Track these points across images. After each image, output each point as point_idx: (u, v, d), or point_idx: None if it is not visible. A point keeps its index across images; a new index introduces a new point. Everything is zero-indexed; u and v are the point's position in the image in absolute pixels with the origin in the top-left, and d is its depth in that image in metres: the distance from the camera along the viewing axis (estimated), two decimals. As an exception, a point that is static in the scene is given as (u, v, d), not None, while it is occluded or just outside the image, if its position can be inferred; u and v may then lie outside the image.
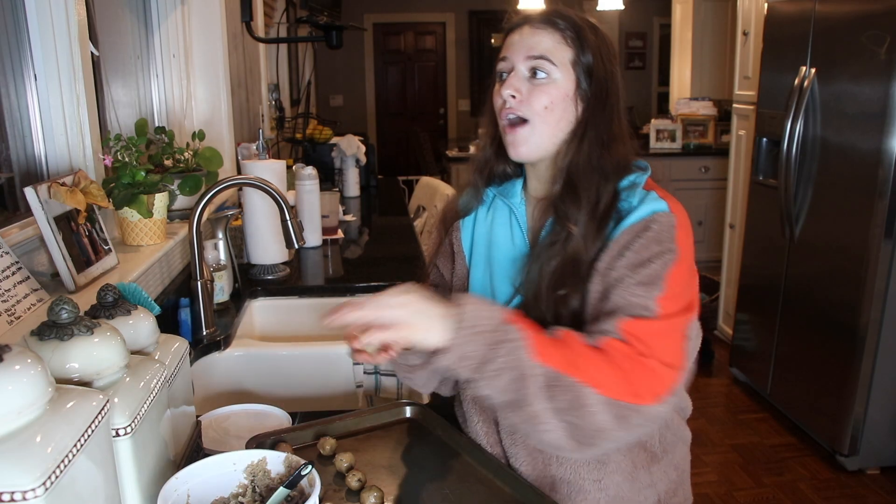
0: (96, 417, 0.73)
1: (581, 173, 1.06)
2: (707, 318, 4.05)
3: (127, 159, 1.61)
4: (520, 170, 1.19)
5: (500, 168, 1.18)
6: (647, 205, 1.04)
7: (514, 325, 0.91)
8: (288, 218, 1.57)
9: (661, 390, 0.94)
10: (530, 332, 0.91)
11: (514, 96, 1.06)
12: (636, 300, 0.97)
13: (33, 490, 0.62)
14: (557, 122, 1.07)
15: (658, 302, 0.97)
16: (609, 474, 1.09)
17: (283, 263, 2.15)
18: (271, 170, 2.04)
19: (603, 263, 1.02)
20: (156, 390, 0.89)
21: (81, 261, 1.36)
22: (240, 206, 2.17)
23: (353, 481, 1.01)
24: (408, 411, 1.23)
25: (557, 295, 1.02)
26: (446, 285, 1.23)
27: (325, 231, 2.56)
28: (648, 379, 0.93)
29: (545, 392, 0.89)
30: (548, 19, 1.07)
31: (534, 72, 1.06)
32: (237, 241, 2.15)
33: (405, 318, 0.89)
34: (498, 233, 1.17)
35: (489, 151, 1.18)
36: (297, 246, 1.61)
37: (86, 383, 0.82)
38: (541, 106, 1.05)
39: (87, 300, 1.12)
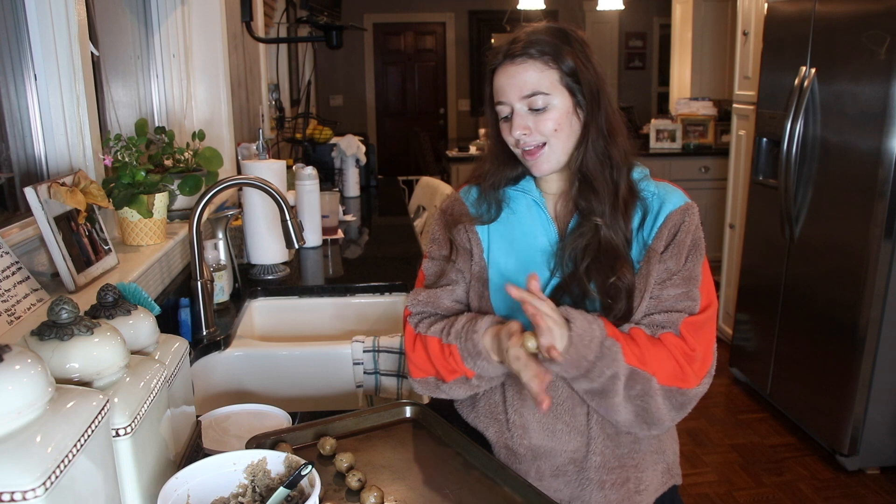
0: (96, 417, 0.73)
1: (593, 169, 1.16)
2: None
3: (127, 159, 1.61)
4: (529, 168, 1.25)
5: (515, 173, 1.25)
6: (673, 193, 1.19)
7: (612, 338, 1.08)
8: (288, 218, 1.57)
9: (703, 373, 1.15)
10: (620, 340, 1.09)
11: (525, 134, 1.15)
12: (686, 298, 1.15)
13: (33, 490, 0.62)
14: (568, 137, 1.17)
15: (699, 292, 1.15)
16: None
17: (283, 263, 2.15)
18: (271, 170, 2.04)
19: (660, 247, 1.15)
20: (156, 390, 0.89)
21: (81, 261, 1.36)
22: (240, 206, 2.17)
23: (353, 481, 1.01)
24: (408, 411, 1.23)
25: (609, 283, 1.13)
26: (464, 280, 1.26)
27: (325, 231, 2.56)
28: (694, 366, 1.13)
29: (625, 384, 1.09)
30: (522, 51, 1.13)
31: (532, 105, 1.14)
32: (237, 241, 2.15)
33: (556, 328, 1.04)
34: (521, 224, 1.23)
35: (500, 167, 1.24)
36: (297, 246, 1.61)
37: (86, 383, 0.82)
38: (550, 130, 1.15)
39: (87, 300, 1.12)
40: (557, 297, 1.17)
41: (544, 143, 1.15)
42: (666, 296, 1.15)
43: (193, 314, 1.63)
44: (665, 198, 1.19)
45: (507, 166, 1.23)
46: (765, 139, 3.34)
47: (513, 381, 1.20)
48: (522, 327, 1.08)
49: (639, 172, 1.20)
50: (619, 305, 1.13)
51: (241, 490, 0.86)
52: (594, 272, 1.14)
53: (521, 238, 1.22)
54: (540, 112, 1.14)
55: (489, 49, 1.21)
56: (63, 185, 1.35)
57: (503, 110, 1.17)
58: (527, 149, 1.16)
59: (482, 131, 6.15)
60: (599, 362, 1.07)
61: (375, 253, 2.56)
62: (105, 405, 0.75)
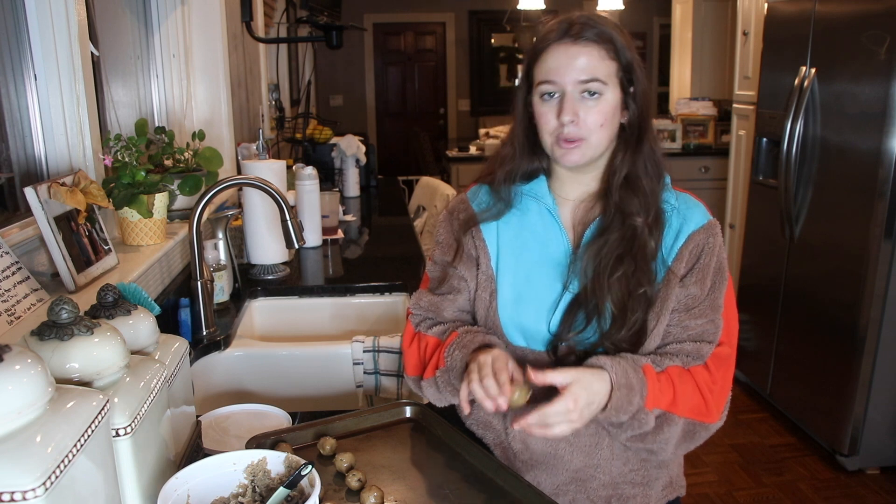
0: (96, 417, 0.73)
1: (642, 171, 1.12)
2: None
3: (127, 159, 1.61)
4: (546, 166, 1.20)
5: (532, 167, 1.19)
6: (695, 209, 1.14)
7: (646, 410, 1.05)
8: (288, 218, 1.57)
9: (721, 405, 1.13)
10: (657, 388, 1.05)
11: (573, 121, 1.08)
12: (711, 325, 1.12)
13: (33, 490, 0.62)
14: (609, 134, 1.12)
15: (722, 319, 1.13)
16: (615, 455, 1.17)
17: (283, 263, 2.15)
18: (271, 170, 2.04)
19: (681, 270, 1.11)
20: (156, 390, 0.89)
21: (81, 261, 1.36)
22: (240, 206, 2.16)
23: (353, 481, 1.01)
24: (408, 411, 1.23)
25: (636, 295, 1.08)
26: (467, 289, 1.22)
27: (325, 231, 2.56)
28: (717, 400, 1.11)
29: (654, 424, 1.07)
30: (583, 35, 1.07)
31: (584, 93, 1.08)
32: (237, 241, 2.15)
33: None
34: (531, 233, 1.18)
35: (521, 154, 1.18)
36: (297, 246, 1.61)
37: (86, 383, 0.82)
38: (597, 125, 1.09)
39: (87, 300, 1.12)
40: (572, 313, 1.12)
41: (583, 139, 1.09)
42: (693, 325, 1.11)
43: (193, 314, 1.63)
44: (686, 215, 1.13)
45: (526, 156, 1.18)
46: (765, 139, 3.34)
47: None
48: (510, 375, 1.03)
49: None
50: (634, 318, 1.08)
51: (241, 490, 0.86)
52: (621, 281, 1.08)
53: (532, 248, 1.17)
54: (592, 102, 1.08)
55: (541, 22, 1.14)
56: (63, 185, 1.35)
57: (550, 89, 1.09)
58: (567, 138, 1.09)
59: (482, 131, 6.14)
60: (628, 426, 1.07)
61: (375, 253, 2.56)
62: (105, 405, 0.75)
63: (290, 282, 2.09)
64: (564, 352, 1.14)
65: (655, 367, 1.07)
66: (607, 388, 1.01)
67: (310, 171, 2.42)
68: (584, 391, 0.99)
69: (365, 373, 1.66)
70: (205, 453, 1.11)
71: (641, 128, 1.12)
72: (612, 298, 1.08)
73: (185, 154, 1.87)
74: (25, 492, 0.61)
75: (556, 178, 1.19)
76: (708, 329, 1.12)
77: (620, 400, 1.02)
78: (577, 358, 1.12)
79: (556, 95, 1.09)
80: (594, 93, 1.07)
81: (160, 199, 1.65)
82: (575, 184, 1.18)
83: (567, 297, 1.13)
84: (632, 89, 1.10)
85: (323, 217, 2.53)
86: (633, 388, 1.02)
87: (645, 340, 1.10)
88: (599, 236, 1.12)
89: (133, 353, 0.91)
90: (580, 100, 1.08)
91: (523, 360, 1.15)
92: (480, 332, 1.16)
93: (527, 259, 1.17)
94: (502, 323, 1.17)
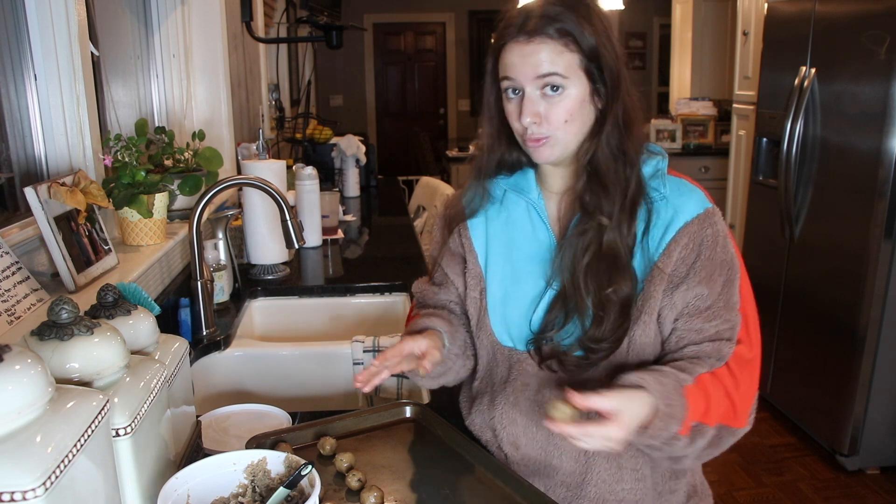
0: (96, 417, 0.73)
1: (606, 163, 1.04)
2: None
3: (127, 159, 1.61)
4: (528, 159, 1.15)
5: (512, 157, 1.15)
6: (689, 198, 1.06)
7: (681, 435, 0.98)
8: (288, 218, 1.57)
9: (748, 409, 1.07)
10: (692, 401, 0.98)
11: (535, 122, 1.04)
12: (726, 323, 1.05)
13: (33, 490, 0.62)
14: (579, 128, 1.06)
15: (738, 315, 1.07)
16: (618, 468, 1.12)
17: (283, 263, 2.15)
18: (271, 170, 2.04)
19: (669, 267, 1.04)
20: (156, 390, 0.89)
21: (81, 261, 1.36)
22: (240, 206, 2.17)
23: (353, 481, 1.01)
24: (408, 411, 1.23)
25: (605, 294, 1.03)
26: (450, 285, 1.22)
27: (325, 231, 2.56)
28: (744, 404, 1.05)
29: (689, 437, 1.01)
30: (539, 31, 1.01)
31: (545, 88, 1.03)
32: (237, 241, 2.15)
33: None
34: (517, 229, 1.15)
35: (497, 146, 1.14)
36: (297, 246, 1.61)
37: (86, 383, 0.82)
38: (561, 121, 1.04)
39: (87, 300, 1.12)
40: (555, 310, 1.08)
41: (549, 136, 1.04)
42: (708, 327, 1.05)
43: (193, 314, 1.63)
44: (678, 204, 1.05)
45: (503, 147, 1.13)
46: (765, 139, 3.34)
47: (506, 399, 1.15)
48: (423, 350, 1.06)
49: (651, 166, 1.08)
50: (609, 319, 1.03)
51: (241, 490, 0.86)
52: (590, 278, 1.04)
53: (520, 245, 1.14)
54: (553, 97, 1.02)
55: (500, 19, 1.07)
56: (63, 185, 1.35)
57: (511, 85, 1.05)
58: (532, 138, 1.05)
59: (482, 130, 6.14)
60: (661, 448, 1.01)
61: (375, 253, 2.56)
62: (105, 405, 0.75)
63: (290, 282, 2.09)
64: (548, 352, 1.10)
65: (690, 380, 1.00)
66: (650, 414, 0.95)
67: (310, 171, 2.42)
68: (633, 420, 0.92)
69: (365, 373, 1.66)
70: (205, 453, 1.11)
71: (606, 112, 1.05)
72: (590, 297, 1.04)
73: (185, 154, 1.87)
74: (25, 492, 0.61)
75: (541, 171, 1.16)
76: (723, 328, 1.05)
77: (659, 429, 0.96)
78: (560, 361, 1.08)
79: (518, 93, 1.05)
80: (556, 87, 1.02)
81: (160, 199, 1.65)
82: (556, 176, 1.14)
83: (550, 294, 1.10)
84: (604, 75, 1.03)
85: (323, 217, 2.53)
86: (673, 417, 0.96)
87: (623, 338, 1.05)
88: (579, 235, 1.07)
89: (133, 353, 0.91)
90: (541, 97, 1.03)
91: (509, 361, 1.15)
92: (433, 317, 1.17)
93: (515, 256, 1.15)
94: (491, 322, 1.15)
